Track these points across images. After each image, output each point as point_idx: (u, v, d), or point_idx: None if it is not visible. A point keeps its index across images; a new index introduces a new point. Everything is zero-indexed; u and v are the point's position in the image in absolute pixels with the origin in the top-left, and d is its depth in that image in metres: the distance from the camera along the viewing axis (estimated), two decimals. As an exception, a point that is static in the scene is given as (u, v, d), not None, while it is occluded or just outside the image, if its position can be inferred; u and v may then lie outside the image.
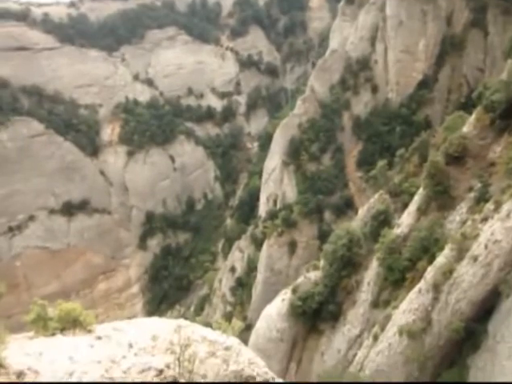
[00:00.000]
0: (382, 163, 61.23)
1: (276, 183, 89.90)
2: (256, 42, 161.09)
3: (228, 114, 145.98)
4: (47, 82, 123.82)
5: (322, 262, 51.60)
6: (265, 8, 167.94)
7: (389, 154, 73.39)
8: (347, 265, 47.80)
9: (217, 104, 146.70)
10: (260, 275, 77.39)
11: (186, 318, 11.03)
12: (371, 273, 45.66)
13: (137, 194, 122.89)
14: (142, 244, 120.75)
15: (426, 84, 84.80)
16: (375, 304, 43.88)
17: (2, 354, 7.20)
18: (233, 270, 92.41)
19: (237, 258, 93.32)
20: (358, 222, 54.13)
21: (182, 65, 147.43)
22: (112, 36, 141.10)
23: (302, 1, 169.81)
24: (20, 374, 7.07)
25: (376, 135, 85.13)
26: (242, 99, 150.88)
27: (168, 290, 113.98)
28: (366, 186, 77.60)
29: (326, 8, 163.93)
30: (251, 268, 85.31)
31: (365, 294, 45.40)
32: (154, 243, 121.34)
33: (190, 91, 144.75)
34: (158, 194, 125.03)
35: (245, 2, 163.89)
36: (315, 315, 48.34)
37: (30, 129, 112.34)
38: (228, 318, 65.58)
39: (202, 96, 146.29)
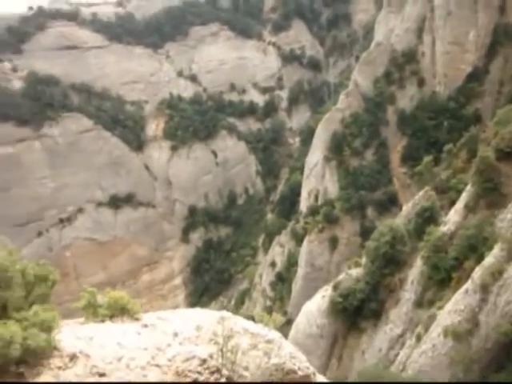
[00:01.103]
0: (428, 159, 59.75)
1: (317, 178, 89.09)
2: (299, 36, 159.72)
3: (270, 108, 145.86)
4: (95, 80, 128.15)
5: (364, 259, 50.85)
6: (308, 1, 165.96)
7: (435, 150, 71.15)
8: (390, 262, 46.86)
9: (259, 99, 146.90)
10: (300, 270, 77.18)
11: (227, 311, 11.19)
12: (415, 271, 44.53)
13: (180, 188, 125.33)
14: (185, 237, 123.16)
15: (475, 76, 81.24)
16: (419, 303, 42.81)
17: (57, 337, 7.59)
18: (273, 264, 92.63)
19: (277, 252, 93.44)
20: (401, 219, 52.88)
21: (224, 60, 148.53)
22: (157, 33, 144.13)
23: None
24: (73, 356, 7.43)
25: (422, 130, 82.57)
26: (284, 94, 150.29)
27: (209, 282, 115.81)
28: (411, 182, 75.67)
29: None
30: (291, 263, 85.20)
31: (408, 292, 44.36)
32: (196, 237, 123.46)
33: (233, 87, 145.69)
34: (200, 188, 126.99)
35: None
36: (356, 313, 47.76)
37: (79, 125, 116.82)
38: (268, 312, 65.78)
39: (244, 91, 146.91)
